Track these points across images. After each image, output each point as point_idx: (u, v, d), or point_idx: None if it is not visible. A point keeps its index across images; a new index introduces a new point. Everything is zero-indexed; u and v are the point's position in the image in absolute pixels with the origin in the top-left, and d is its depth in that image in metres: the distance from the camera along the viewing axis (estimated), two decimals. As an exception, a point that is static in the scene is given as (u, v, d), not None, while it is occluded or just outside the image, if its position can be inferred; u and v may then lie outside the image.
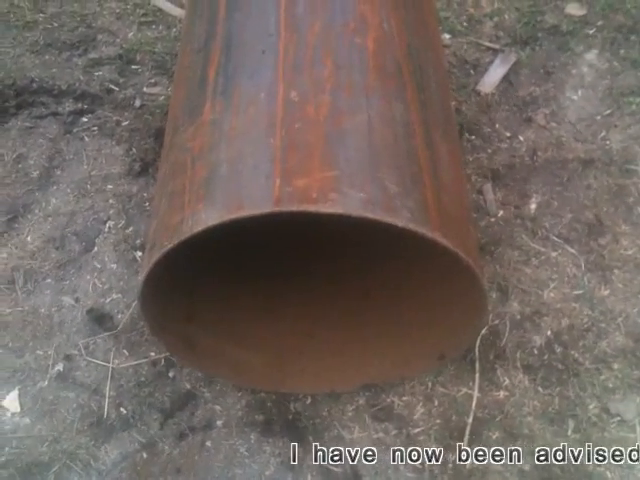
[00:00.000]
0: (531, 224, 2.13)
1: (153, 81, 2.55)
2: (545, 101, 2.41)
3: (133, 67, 2.59)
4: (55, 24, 2.71)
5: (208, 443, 1.82)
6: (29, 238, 2.19)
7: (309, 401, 1.87)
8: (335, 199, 1.21)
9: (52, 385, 1.92)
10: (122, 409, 1.87)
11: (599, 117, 2.36)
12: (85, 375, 1.93)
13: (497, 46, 2.56)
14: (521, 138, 2.33)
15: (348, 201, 1.22)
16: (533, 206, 2.17)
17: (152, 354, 1.95)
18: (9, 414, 1.88)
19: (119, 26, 2.70)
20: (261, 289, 1.89)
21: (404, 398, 1.86)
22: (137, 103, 2.48)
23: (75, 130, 2.43)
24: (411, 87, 1.46)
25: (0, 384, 1.93)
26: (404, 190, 1.28)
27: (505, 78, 2.48)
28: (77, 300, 2.06)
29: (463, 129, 2.33)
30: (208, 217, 1.27)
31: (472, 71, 2.52)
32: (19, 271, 2.11)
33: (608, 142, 2.29)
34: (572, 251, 2.08)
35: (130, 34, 2.68)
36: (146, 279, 1.39)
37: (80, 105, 2.49)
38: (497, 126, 2.36)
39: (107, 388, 1.90)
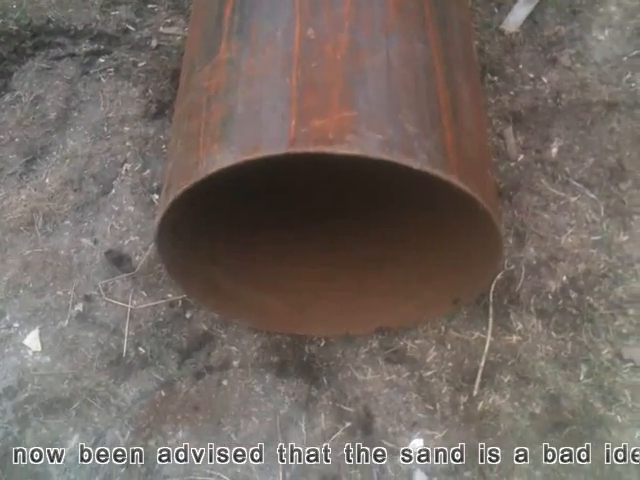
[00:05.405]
0: (551, 169, 2.10)
1: (170, 21, 2.51)
2: (570, 41, 2.34)
3: (149, 6, 2.55)
4: (70, -39, 2.66)
5: (224, 382, 1.86)
6: (47, 180, 2.20)
7: (323, 344, 1.89)
8: (352, 140, 1.19)
9: (72, 325, 1.96)
10: (141, 348, 1.91)
11: (625, 58, 2.29)
12: (104, 315, 1.97)
13: (522, -17, 2.48)
14: (545, 80, 2.27)
15: (365, 142, 1.20)
16: (554, 150, 2.13)
17: (169, 295, 1.98)
18: (30, 352, 1.93)
19: (135, -37, 2.65)
20: (282, 234, 1.90)
21: (417, 341, 1.88)
22: (153, 43, 2.45)
23: (92, 71, 2.41)
24: (432, 25, 1.42)
25: (21, 323, 1.97)
26: (423, 132, 1.26)
27: (530, 17, 2.40)
28: (96, 242, 2.08)
29: (485, 70, 2.27)
30: (223, 158, 1.26)
31: (496, 9, 2.44)
32: (38, 213, 2.13)
33: (633, 84, 2.23)
34: (592, 196, 2.05)
35: (146, -28, 2.62)
36: (162, 221, 1.39)
37: (97, 46, 2.46)
38: (521, 67, 2.30)
39: (126, 328, 1.94)
